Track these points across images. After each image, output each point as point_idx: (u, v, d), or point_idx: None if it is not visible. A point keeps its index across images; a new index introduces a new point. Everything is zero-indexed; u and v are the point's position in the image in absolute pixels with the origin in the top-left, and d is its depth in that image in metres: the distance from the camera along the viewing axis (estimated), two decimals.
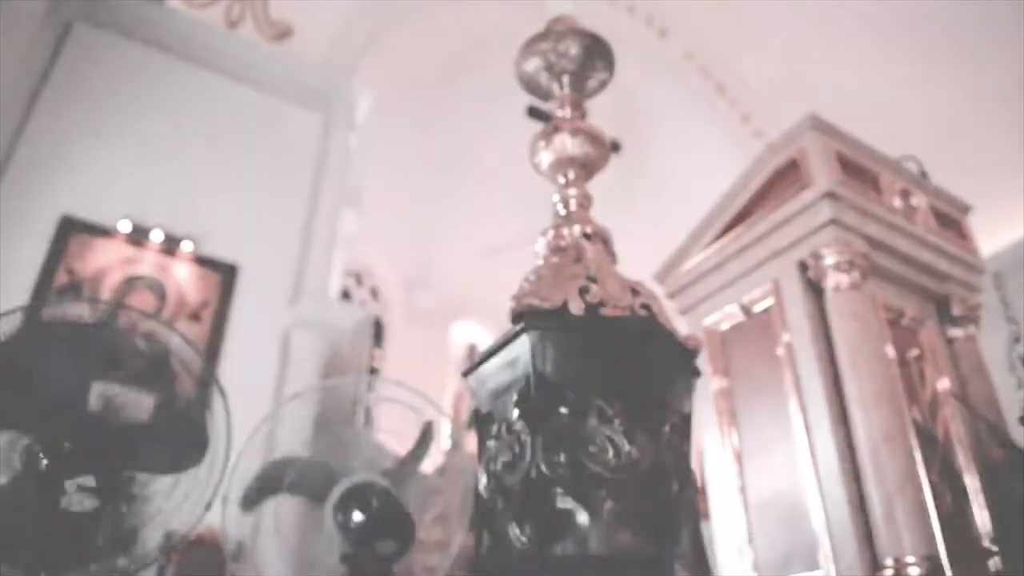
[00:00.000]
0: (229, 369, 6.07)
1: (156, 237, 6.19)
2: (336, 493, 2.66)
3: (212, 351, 6.15)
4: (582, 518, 1.83)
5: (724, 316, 3.11)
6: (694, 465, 1.98)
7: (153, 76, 6.63)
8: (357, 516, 2.54)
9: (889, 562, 2.34)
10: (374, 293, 9.73)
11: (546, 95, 2.80)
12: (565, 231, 2.38)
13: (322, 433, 2.99)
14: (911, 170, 3.28)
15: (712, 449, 3.00)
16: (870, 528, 2.44)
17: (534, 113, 9.59)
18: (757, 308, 3.01)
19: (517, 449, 1.97)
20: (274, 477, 2.65)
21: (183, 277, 6.26)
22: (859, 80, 9.42)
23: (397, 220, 9.56)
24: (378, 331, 9.66)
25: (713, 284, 3.16)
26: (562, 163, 2.58)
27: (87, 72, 6.28)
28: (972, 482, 2.74)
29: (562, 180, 2.54)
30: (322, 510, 2.70)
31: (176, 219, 6.33)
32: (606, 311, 2.15)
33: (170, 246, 6.25)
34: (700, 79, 10.36)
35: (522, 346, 2.01)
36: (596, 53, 2.71)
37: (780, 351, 2.83)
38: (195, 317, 6.20)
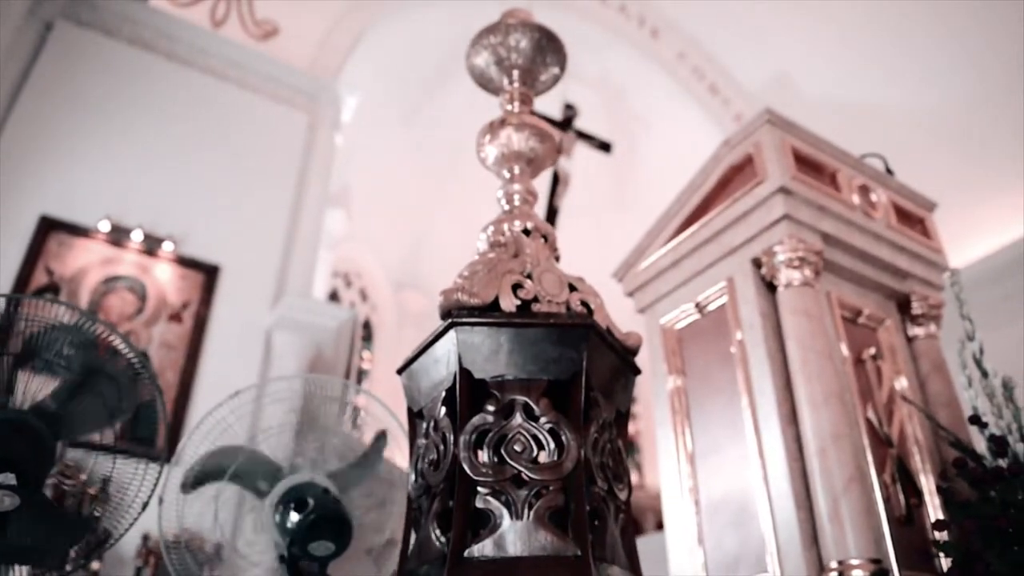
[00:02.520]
0: (211, 370, 6.06)
1: (137, 237, 6.19)
2: (277, 492, 2.64)
3: (193, 352, 6.15)
4: (503, 519, 1.79)
5: (680, 314, 3.07)
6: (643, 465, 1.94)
7: (136, 75, 6.64)
8: (294, 516, 2.52)
9: (833, 565, 2.29)
10: (364, 294, 9.71)
11: (497, 89, 2.77)
12: (505, 227, 2.35)
13: (268, 431, 2.96)
14: (874, 167, 3.23)
15: (666, 449, 2.96)
16: (817, 530, 2.39)
17: None
18: (712, 306, 2.96)
19: (441, 448, 1.94)
20: (217, 465, 2.62)
21: (164, 277, 6.25)
22: (853, 81, 9.38)
23: (387, 221, 9.55)
24: (368, 332, 9.64)
25: (670, 282, 3.12)
26: (507, 158, 2.55)
27: (69, 71, 6.29)
28: (928, 484, 2.69)
29: (507, 175, 2.51)
30: (263, 507, 2.68)
31: (158, 219, 6.33)
32: (540, 307, 2.11)
33: (151, 246, 6.25)
34: (693, 79, 10.34)
35: (449, 343, 1.97)
36: (547, 48, 2.67)
37: (733, 349, 2.79)
38: (176, 318, 6.19)
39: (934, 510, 2.63)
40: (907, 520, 2.58)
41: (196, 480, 2.63)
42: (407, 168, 9.45)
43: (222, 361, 6.14)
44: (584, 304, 2.17)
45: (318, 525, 2.39)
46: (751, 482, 2.60)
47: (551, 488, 1.82)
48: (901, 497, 2.62)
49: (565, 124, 9.89)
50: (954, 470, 2.37)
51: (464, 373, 1.90)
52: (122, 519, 2.47)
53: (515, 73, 2.64)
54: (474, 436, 1.87)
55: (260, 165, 7.01)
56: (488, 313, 1.99)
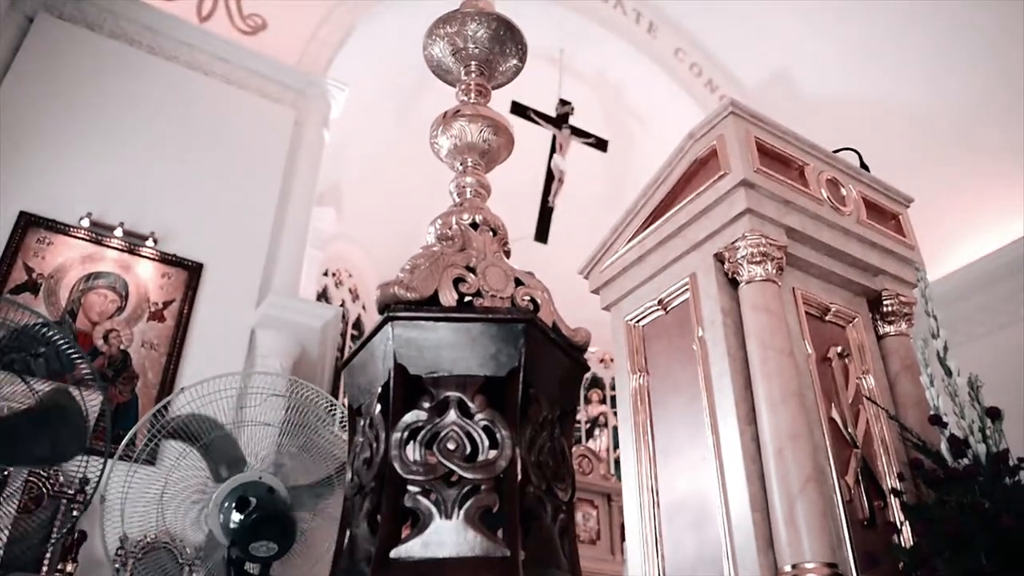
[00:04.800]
0: (193, 369, 6.00)
1: (119, 234, 6.13)
2: (223, 490, 2.58)
3: (176, 351, 6.10)
4: (432, 518, 1.74)
5: (644, 311, 3.00)
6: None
7: (119, 69, 6.59)
8: (236, 516, 2.47)
9: (788, 569, 2.22)
10: (354, 293, 9.65)
11: (455, 81, 2.71)
12: (454, 220, 2.29)
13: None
14: (848, 161, 3.15)
15: (627, 450, 2.88)
16: (773, 533, 2.32)
17: (517, 110, 9.51)
18: (675, 303, 2.89)
19: (375, 445, 1.89)
20: (198, 429, 2.56)
21: (146, 275, 6.20)
22: (852, 78, 9.28)
23: (378, 219, 9.48)
24: (359, 331, 9.58)
25: (634, 278, 3.05)
26: (460, 150, 2.49)
27: (50, 65, 6.24)
28: (893, 486, 2.61)
29: (460, 168, 2.45)
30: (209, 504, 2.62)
31: (140, 216, 6.28)
32: (482, 302, 2.05)
33: (133, 243, 6.20)
34: (690, 76, 10.25)
35: (385, 338, 1.92)
36: (506, 38, 2.62)
37: (695, 347, 2.71)
38: (158, 316, 6.15)
39: (898, 513, 2.55)
40: (870, 523, 2.50)
41: (172, 432, 2.60)
42: (399, 165, 9.39)
43: (205, 360, 6.08)
44: (531, 299, 2.11)
45: (260, 525, 2.34)
46: (710, 483, 2.53)
47: (483, 487, 1.76)
48: (864, 499, 2.54)
49: (560, 121, 9.81)
50: (912, 471, 2.30)
51: (398, 369, 1.84)
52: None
53: (473, 64, 2.58)
54: (406, 433, 1.81)
55: (246, 162, 6.96)
56: (424, 308, 1.93)
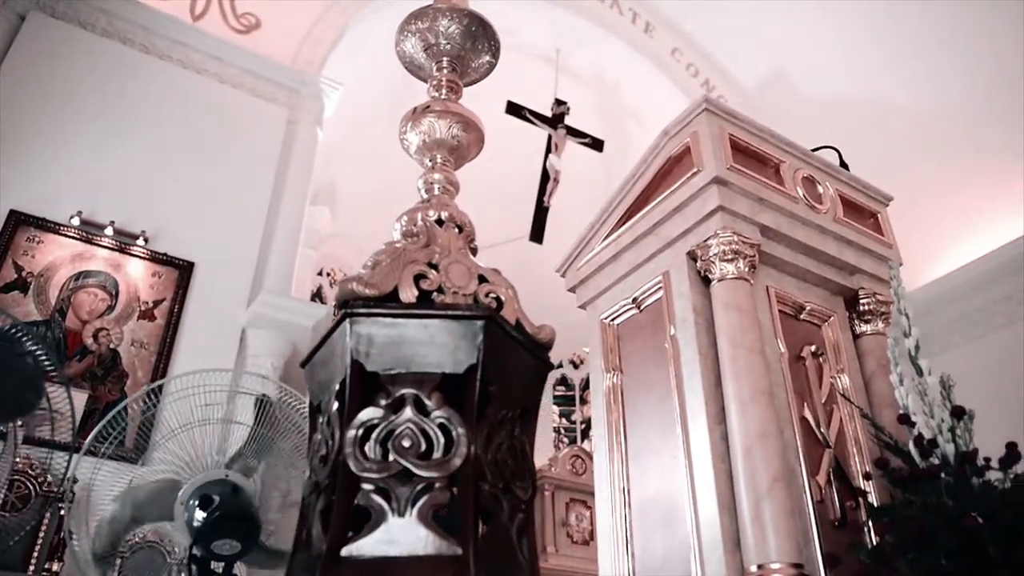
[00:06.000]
0: (183, 368, 5.97)
1: (109, 233, 6.13)
2: (187, 490, 2.56)
3: (166, 350, 6.09)
4: (385, 516, 1.72)
5: (618, 310, 2.98)
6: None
7: (111, 68, 6.58)
8: (199, 514, 2.45)
9: (753, 569, 2.20)
10: None
11: (427, 77, 2.69)
12: (419, 216, 2.27)
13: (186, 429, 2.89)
14: (826, 160, 3.13)
15: (600, 449, 2.86)
16: (740, 533, 2.30)
17: (513, 109, 9.49)
18: (649, 301, 2.87)
19: (331, 443, 1.87)
20: (114, 525, 2.55)
21: (137, 274, 6.19)
22: (850, 79, 9.25)
23: (373, 218, 9.46)
24: None
25: (610, 276, 3.03)
26: (428, 146, 2.47)
27: (42, 63, 6.24)
28: (865, 486, 2.58)
29: (428, 164, 2.42)
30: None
31: (131, 215, 6.27)
32: (444, 299, 2.03)
33: (124, 242, 6.19)
34: (687, 76, 10.22)
35: (343, 335, 1.90)
36: (479, 34, 2.59)
37: (667, 345, 2.69)
38: (148, 315, 6.14)
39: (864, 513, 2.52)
40: (841, 523, 2.48)
41: (102, 556, 2.58)
42: (393, 165, 9.37)
43: (195, 359, 6.05)
44: (494, 297, 2.09)
45: (223, 523, 2.32)
46: (679, 483, 2.50)
47: (437, 485, 1.74)
48: (836, 499, 2.52)
49: (556, 121, 9.77)
50: (879, 471, 2.27)
51: (355, 366, 1.82)
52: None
53: (445, 60, 2.56)
54: (361, 431, 1.79)
55: (238, 161, 6.95)
56: (382, 304, 1.91)
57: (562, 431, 11.96)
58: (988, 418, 5.02)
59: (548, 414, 11.97)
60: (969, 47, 8.25)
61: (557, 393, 12.27)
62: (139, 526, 2.45)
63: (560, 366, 12.26)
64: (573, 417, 12.03)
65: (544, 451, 10.95)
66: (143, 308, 6.12)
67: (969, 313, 8.09)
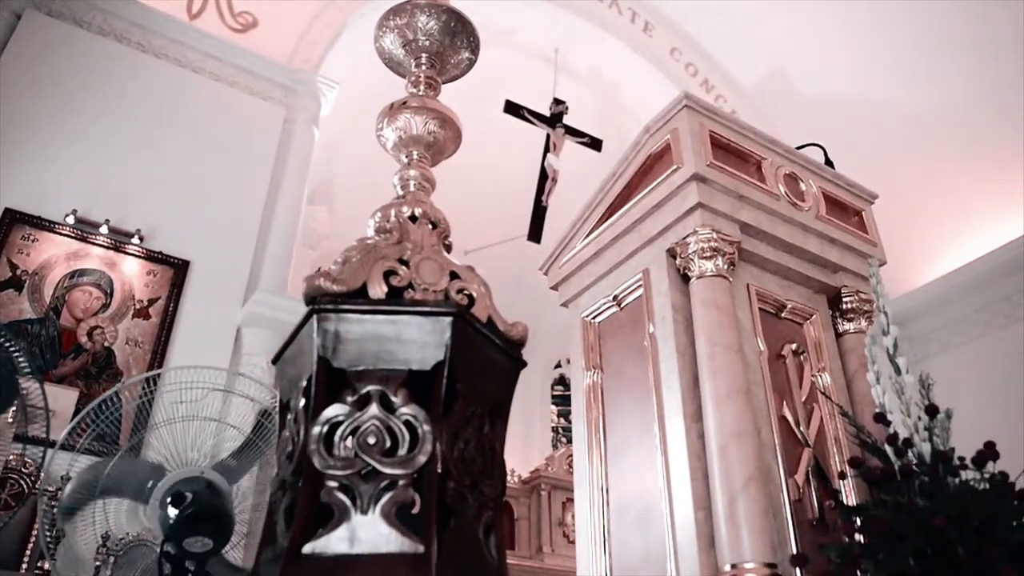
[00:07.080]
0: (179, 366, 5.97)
1: (104, 231, 6.13)
2: (161, 487, 2.56)
3: (161, 348, 6.09)
4: (347, 513, 1.71)
5: (599, 308, 2.96)
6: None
7: (107, 66, 6.59)
8: (172, 511, 2.44)
9: (727, 568, 2.18)
10: None
11: (406, 73, 2.68)
12: (393, 212, 2.26)
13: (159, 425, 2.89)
14: (809, 157, 3.10)
15: (580, 447, 2.85)
16: (715, 532, 2.28)
17: (511, 108, 9.47)
18: (629, 299, 2.85)
19: (297, 440, 1.86)
20: (85, 484, 2.54)
21: (132, 272, 6.19)
22: (849, 78, 9.21)
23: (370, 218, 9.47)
24: None
25: (591, 274, 3.02)
26: (405, 142, 2.46)
27: (37, 62, 6.25)
28: (844, 486, 2.56)
29: (404, 160, 2.42)
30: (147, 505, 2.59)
31: (126, 213, 6.28)
32: (414, 295, 2.02)
33: (119, 241, 6.19)
34: (686, 75, 10.19)
35: (309, 331, 1.89)
36: (458, 30, 2.58)
37: (646, 343, 2.68)
38: (143, 313, 6.14)
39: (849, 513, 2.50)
40: (819, 522, 2.46)
41: (66, 512, 2.58)
42: (391, 164, 9.37)
43: (190, 358, 6.03)
44: (466, 294, 2.07)
45: (195, 520, 2.31)
46: (656, 482, 2.49)
47: (401, 482, 1.73)
48: (814, 498, 2.50)
49: (554, 120, 9.75)
50: (853, 470, 2.25)
51: (321, 362, 1.82)
52: None
53: (423, 56, 2.55)
54: (326, 428, 1.78)
55: (234, 159, 6.95)
56: (348, 300, 1.90)
57: (560, 431, 11.93)
58: (988, 418, 5.01)
59: (546, 414, 11.95)
60: (969, 47, 8.20)
61: (555, 393, 12.25)
62: (110, 496, 2.44)
63: (559, 366, 12.24)
64: (571, 417, 12.01)
65: (543, 450, 10.95)
66: (138, 306, 6.12)
67: (969, 313, 8.05)
